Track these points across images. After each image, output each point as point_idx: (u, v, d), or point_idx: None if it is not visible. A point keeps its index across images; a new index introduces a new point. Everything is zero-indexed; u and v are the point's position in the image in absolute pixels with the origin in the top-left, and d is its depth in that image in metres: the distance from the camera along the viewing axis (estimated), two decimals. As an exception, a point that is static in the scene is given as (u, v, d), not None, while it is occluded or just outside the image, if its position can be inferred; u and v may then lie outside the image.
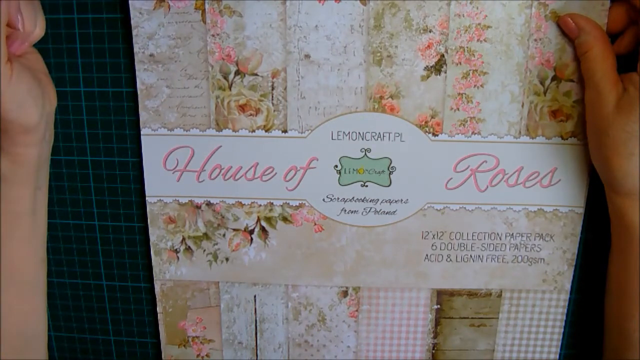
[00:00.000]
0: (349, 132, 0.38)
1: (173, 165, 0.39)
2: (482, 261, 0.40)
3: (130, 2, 0.36)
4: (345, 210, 0.39)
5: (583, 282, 0.40)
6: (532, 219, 0.39)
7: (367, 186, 0.39)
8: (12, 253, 0.35)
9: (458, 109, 0.37)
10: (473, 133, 0.37)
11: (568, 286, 0.40)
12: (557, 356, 0.42)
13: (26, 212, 0.35)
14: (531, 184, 0.38)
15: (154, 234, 0.40)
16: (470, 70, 0.36)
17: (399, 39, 0.36)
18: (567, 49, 0.35)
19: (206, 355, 0.43)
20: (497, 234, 0.39)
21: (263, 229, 0.40)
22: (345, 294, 0.41)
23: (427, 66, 0.36)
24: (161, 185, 0.39)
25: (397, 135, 0.37)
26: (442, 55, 0.36)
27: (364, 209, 0.39)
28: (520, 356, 0.42)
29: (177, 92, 0.37)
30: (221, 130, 0.38)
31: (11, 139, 0.33)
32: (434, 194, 0.39)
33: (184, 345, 0.43)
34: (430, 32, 0.36)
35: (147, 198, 0.40)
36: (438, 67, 0.36)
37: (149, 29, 0.36)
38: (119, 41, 0.37)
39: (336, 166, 0.38)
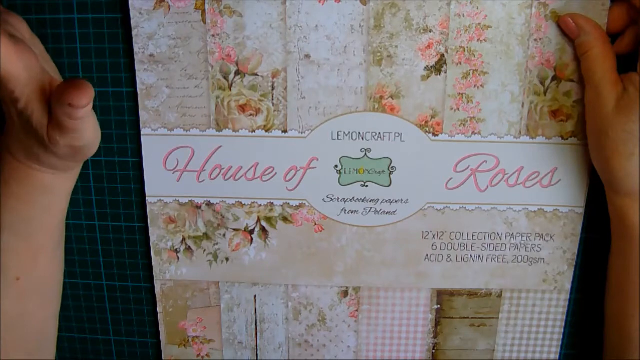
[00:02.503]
0: (349, 132, 0.38)
1: (173, 165, 0.39)
2: (482, 261, 0.40)
3: (130, 2, 0.36)
4: (345, 210, 0.39)
5: (583, 282, 0.40)
6: (532, 219, 0.39)
7: (367, 186, 0.39)
8: (42, 263, 0.35)
9: (458, 109, 0.37)
10: (473, 133, 0.37)
11: (568, 286, 0.40)
12: (557, 356, 0.42)
13: (60, 222, 0.36)
14: (531, 184, 0.38)
15: (154, 234, 0.40)
16: (470, 70, 0.36)
17: (399, 39, 0.36)
18: (567, 49, 0.35)
19: (206, 355, 0.43)
20: (497, 234, 0.39)
21: (263, 229, 0.40)
22: (345, 294, 0.41)
23: (427, 66, 0.36)
24: (161, 185, 0.39)
25: (397, 135, 0.37)
26: (442, 55, 0.36)
27: (364, 209, 0.39)
28: (520, 356, 0.42)
29: (177, 92, 0.37)
30: (221, 130, 0.38)
31: (80, 162, 0.35)
32: (434, 194, 0.39)
33: (184, 345, 0.43)
34: (430, 32, 0.35)
35: (147, 198, 0.40)
36: (438, 67, 0.36)
37: (149, 29, 0.36)
38: (119, 41, 0.37)
39: (336, 166, 0.38)
